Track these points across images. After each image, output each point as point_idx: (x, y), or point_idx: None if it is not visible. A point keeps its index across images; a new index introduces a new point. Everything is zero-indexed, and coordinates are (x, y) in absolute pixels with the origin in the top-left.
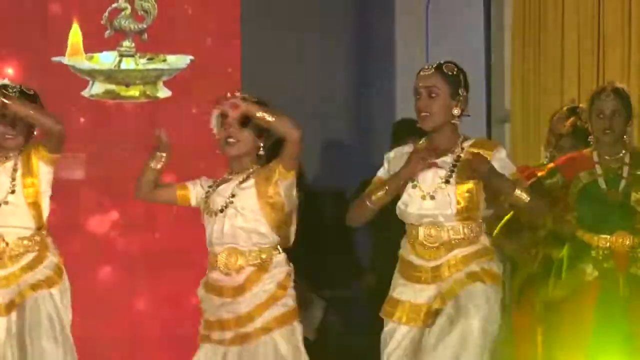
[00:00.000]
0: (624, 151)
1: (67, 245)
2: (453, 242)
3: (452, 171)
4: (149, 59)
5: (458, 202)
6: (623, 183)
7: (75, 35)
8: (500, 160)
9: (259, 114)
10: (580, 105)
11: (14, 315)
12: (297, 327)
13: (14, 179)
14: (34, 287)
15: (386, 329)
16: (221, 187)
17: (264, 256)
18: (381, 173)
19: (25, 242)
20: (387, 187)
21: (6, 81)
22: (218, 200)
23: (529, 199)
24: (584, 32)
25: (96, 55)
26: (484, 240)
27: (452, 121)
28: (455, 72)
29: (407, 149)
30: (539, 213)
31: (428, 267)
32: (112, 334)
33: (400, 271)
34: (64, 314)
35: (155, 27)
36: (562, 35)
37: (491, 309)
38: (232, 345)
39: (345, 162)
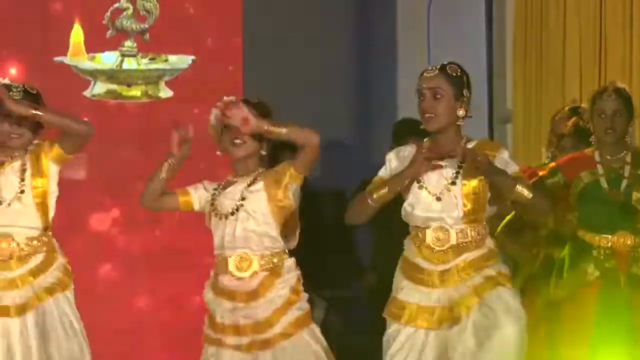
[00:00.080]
0: (625, 151)
1: (68, 244)
2: (461, 245)
3: (457, 172)
4: (150, 59)
5: (464, 205)
6: (624, 183)
7: (77, 35)
8: (503, 160)
9: (271, 129)
10: (582, 105)
11: (30, 318)
12: (316, 328)
13: (23, 179)
14: (50, 290)
15: (389, 330)
16: (228, 189)
17: (275, 260)
18: (382, 173)
19: (35, 242)
20: (389, 186)
21: (7, 81)
22: (226, 203)
23: (531, 195)
24: (585, 32)
25: (98, 55)
26: (489, 243)
27: (457, 122)
28: (459, 73)
29: (410, 149)
30: (541, 210)
31: (436, 271)
32: (113, 332)
33: (404, 272)
34: (78, 315)
35: (157, 27)
36: (564, 36)
37: (520, 311)
38: (250, 351)
39: (346, 161)
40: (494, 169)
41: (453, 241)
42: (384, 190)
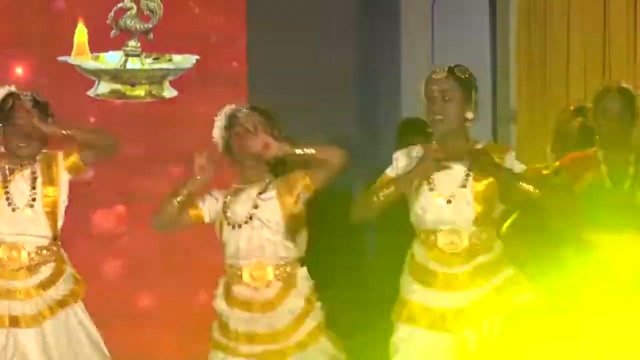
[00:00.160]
0: (629, 150)
1: (73, 243)
2: (473, 248)
3: (467, 175)
4: (154, 59)
5: (476, 207)
6: (628, 182)
7: (81, 34)
8: (510, 162)
9: (299, 152)
10: (586, 104)
11: (46, 329)
12: (329, 336)
13: (34, 187)
14: (62, 303)
15: (399, 333)
16: (240, 197)
17: (289, 269)
18: (389, 171)
19: (44, 252)
20: (396, 184)
21: (14, 88)
22: (239, 211)
23: (536, 194)
24: (589, 31)
25: (102, 54)
26: (499, 246)
27: (465, 125)
28: (467, 76)
29: (417, 149)
30: (546, 210)
31: (448, 274)
32: (117, 331)
33: (413, 274)
34: (93, 325)
35: (161, 26)
36: (568, 35)
37: None
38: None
39: (350, 162)
40: (500, 168)
41: (465, 244)
42: (391, 188)
